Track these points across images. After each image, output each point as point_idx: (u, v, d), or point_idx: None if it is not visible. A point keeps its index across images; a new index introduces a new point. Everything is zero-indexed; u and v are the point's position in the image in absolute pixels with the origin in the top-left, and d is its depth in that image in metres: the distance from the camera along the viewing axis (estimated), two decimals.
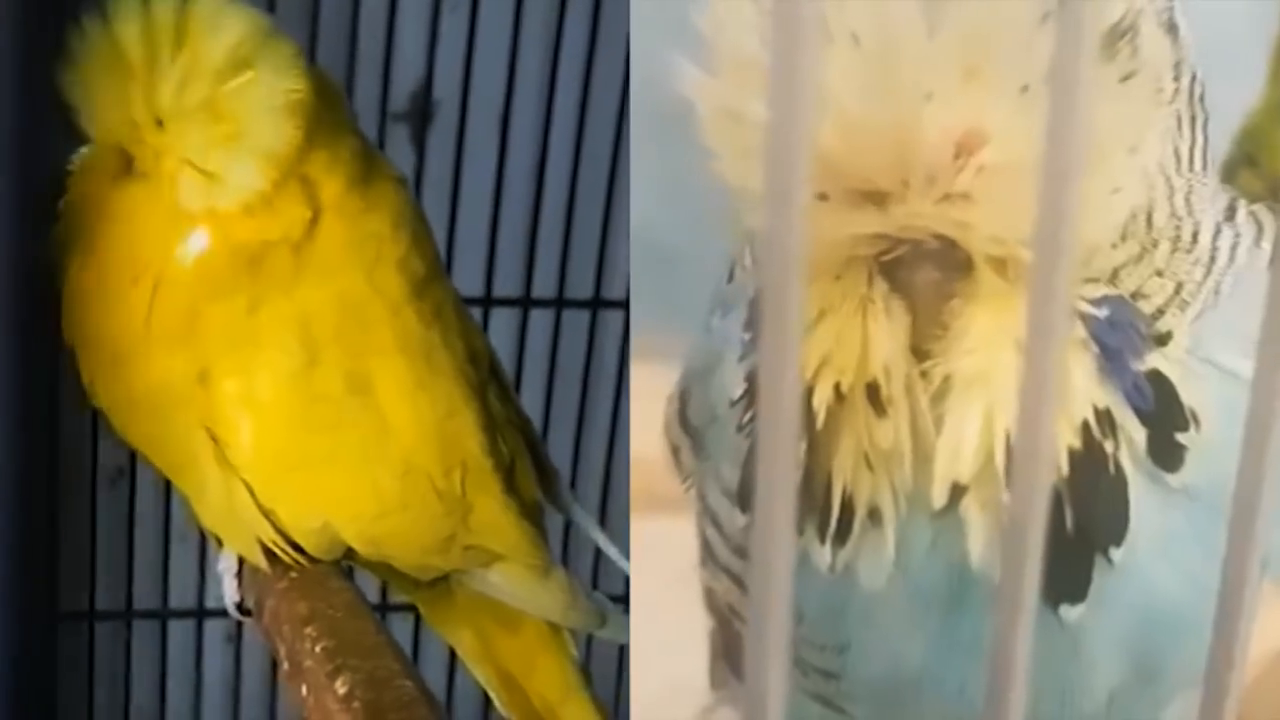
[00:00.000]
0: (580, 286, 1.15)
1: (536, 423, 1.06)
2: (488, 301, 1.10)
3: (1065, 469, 0.48)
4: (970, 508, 0.48)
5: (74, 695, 1.12)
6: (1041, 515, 0.28)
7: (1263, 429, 0.30)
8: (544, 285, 1.13)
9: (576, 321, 1.16)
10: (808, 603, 0.52)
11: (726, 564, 0.57)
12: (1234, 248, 0.50)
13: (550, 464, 0.77)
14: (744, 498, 0.54)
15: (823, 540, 0.49)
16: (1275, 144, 0.58)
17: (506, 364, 0.85)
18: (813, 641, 0.54)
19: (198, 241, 0.61)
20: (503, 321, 1.12)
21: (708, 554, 0.59)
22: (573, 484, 1.15)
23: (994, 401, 0.46)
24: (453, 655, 0.80)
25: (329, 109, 0.63)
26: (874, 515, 0.49)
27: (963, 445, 0.47)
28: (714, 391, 0.56)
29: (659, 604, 0.70)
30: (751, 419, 0.52)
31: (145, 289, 0.62)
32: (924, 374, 0.47)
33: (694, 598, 0.67)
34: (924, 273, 0.46)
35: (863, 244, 0.46)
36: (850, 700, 0.56)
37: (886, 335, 0.47)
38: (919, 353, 0.47)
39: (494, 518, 0.70)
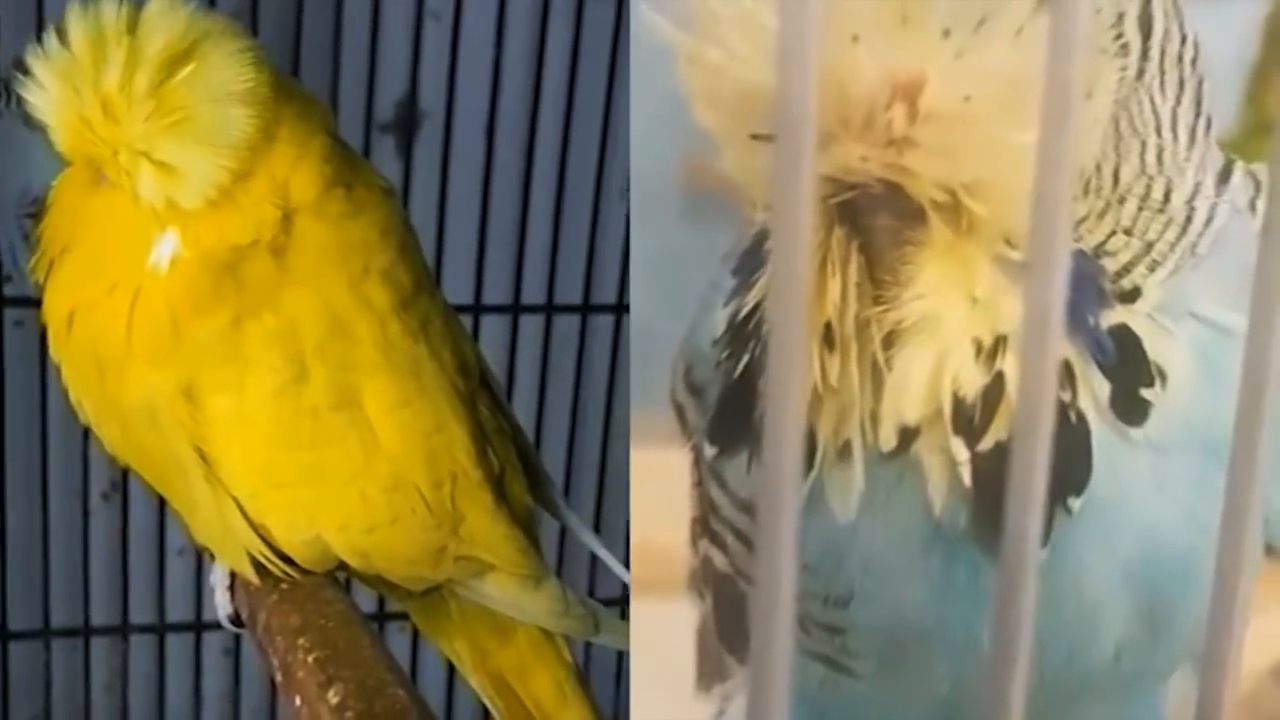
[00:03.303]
0: (570, 291, 1.15)
1: (529, 428, 1.06)
2: (477, 309, 1.10)
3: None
4: (922, 453, 0.49)
5: (70, 711, 1.12)
6: (1043, 471, 0.28)
7: (1258, 386, 0.30)
8: (533, 291, 1.14)
9: (567, 326, 1.16)
10: (810, 552, 0.52)
11: (731, 520, 0.57)
12: (1213, 208, 0.50)
13: (543, 471, 0.77)
14: (715, 432, 0.55)
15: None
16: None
17: (498, 370, 0.85)
18: (816, 594, 0.54)
19: (167, 244, 0.61)
20: (493, 328, 1.12)
21: (709, 515, 0.59)
22: (566, 489, 1.15)
23: (943, 349, 0.47)
24: (451, 665, 0.80)
25: (294, 108, 0.62)
26: (844, 451, 0.49)
27: (908, 389, 0.48)
28: (709, 343, 0.57)
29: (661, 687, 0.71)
30: (729, 357, 0.53)
31: (124, 299, 0.62)
32: (877, 317, 0.48)
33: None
34: (879, 218, 0.47)
35: None
36: (855, 656, 0.56)
37: (840, 277, 0.47)
38: (873, 297, 0.48)
39: (484, 529, 0.69)
